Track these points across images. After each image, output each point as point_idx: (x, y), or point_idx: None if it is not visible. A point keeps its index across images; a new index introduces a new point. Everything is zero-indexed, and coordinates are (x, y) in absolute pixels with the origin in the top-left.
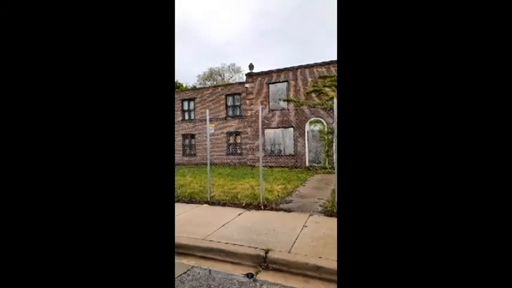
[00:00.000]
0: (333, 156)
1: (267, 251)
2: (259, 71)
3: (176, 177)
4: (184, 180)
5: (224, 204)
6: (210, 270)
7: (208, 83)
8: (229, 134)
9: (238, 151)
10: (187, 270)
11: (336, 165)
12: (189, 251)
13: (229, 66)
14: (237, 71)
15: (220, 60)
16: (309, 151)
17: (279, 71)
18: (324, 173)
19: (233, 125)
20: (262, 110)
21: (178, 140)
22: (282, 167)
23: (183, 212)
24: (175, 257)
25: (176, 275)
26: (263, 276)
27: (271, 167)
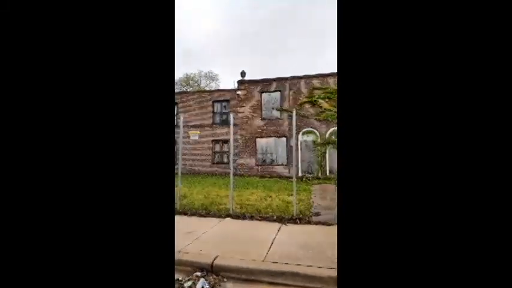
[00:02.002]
0: (326, 167)
1: None
2: (248, 78)
3: None
4: (180, 190)
5: (252, 218)
6: None
7: (183, 89)
8: (216, 142)
9: (225, 160)
10: None
11: (329, 174)
12: (254, 276)
13: (206, 74)
14: (214, 78)
15: (191, 65)
16: (302, 161)
17: (272, 80)
18: (319, 183)
19: (220, 132)
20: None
21: None
22: (274, 176)
23: (212, 227)
24: (241, 285)
25: None
26: None
27: (262, 176)
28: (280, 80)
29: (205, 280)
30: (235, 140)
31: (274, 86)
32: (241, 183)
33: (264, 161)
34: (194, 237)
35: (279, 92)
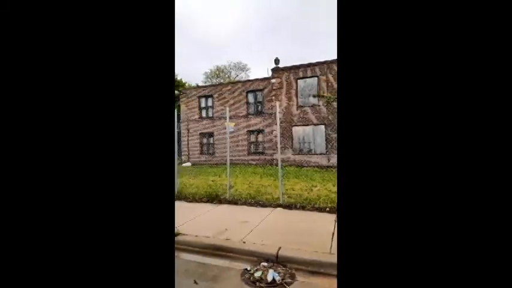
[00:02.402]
0: None
1: None
2: (282, 66)
3: (214, 177)
4: (225, 180)
5: (303, 208)
6: None
7: (214, 81)
8: (251, 132)
9: (260, 150)
10: None
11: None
12: (323, 268)
13: (235, 64)
14: (244, 68)
15: (219, 57)
16: None
17: (308, 65)
18: None
19: (255, 122)
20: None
21: (196, 139)
22: (312, 166)
23: (265, 217)
24: (311, 277)
25: None
26: None
27: (301, 166)
28: (316, 64)
29: (274, 271)
30: (271, 130)
31: (310, 71)
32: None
33: (301, 150)
34: (251, 227)
35: (316, 78)
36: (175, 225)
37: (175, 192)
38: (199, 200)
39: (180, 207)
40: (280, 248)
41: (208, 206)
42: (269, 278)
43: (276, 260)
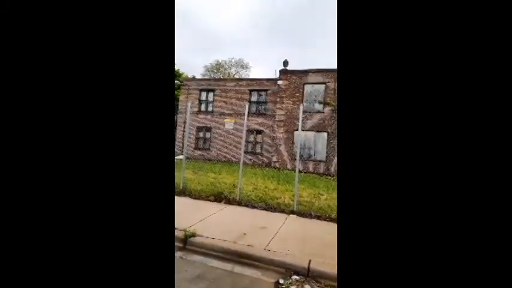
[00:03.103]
0: None
1: None
2: (291, 68)
3: (213, 174)
4: (226, 179)
5: (319, 218)
6: None
7: (214, 75)
8: (250, 132)
9: (258, 150)
10: None
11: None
12: None
13: (236, 62)
14: (244, 66)
15: (218, 51)
16: None
17: (317, 71)
18: None
19: (256, 122)
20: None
21: (192, 132)
22: (311, 172)
23: (282, 224)
24: None
25: None
26: None
27: (299, 171)
28: (325, 71)
29: (309, 286)
30: (271, 132)
31: (317, 77)
32: (282, 176)
33: (301, 155)
34: (271, 234)
35: (324, 85)
36: (188, 225)
37: (180, 187)
38: (206, 198)
39: (187, 204)
40: (310, 260)
41: (216, 206)
42: None
43: (307, 274)
